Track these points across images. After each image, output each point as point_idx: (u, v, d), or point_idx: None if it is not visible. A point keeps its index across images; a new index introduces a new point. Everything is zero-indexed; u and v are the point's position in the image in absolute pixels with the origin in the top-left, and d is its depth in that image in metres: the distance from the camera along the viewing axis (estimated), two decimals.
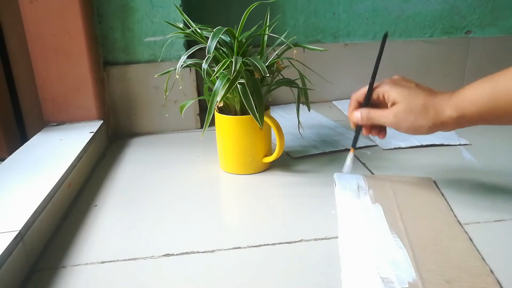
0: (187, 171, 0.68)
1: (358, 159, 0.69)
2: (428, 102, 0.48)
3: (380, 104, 0.54)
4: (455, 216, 0.51)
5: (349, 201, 0.55)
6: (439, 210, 0.52)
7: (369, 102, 0.55)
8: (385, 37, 0.57)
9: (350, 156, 0.60)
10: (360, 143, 0.75)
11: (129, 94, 0.84)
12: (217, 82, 0.56)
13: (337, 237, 0.48)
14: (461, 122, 0.47)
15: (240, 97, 0.57)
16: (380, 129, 0.56)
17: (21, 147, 0.67)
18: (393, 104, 0.51)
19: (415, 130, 0.50)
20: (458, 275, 0.40)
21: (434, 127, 0.48)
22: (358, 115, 0.54)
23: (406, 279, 0.40)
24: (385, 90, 0.52)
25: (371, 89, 0.55)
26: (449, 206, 0.53)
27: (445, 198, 0.55)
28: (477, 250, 0.44)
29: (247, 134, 0.63)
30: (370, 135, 0.59)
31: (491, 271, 0.41)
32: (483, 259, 0.43)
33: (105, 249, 0.47)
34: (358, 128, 0.58)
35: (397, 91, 0.50)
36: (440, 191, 0.57)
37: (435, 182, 0.60)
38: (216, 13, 0.98)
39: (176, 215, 0.54)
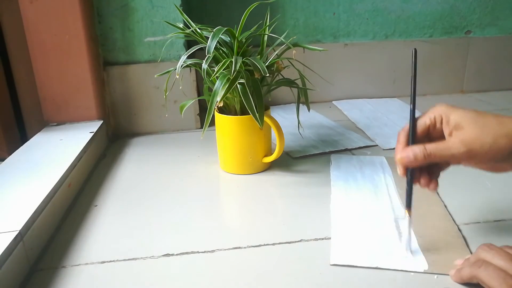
0: (187, 171, 0.68)
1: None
2: (502, 120, 0.39)
3: (431, 137, 0.43)
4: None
5: (342, 177, 0.62)
6: None
7: (414, 137, 0.43)
8: (415, 55, 0.43)
9: (408, 224, 0.43)
10: (359, 143, 0.75)
11: (129, 94, 0.84)
12: (217, 82, 0.56)
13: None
14: None
15: (240, 97, 0.57)
16: (432, 176, 0.44)
17: (21, 147, 0.67)
18: (455, 129, 0.40)
19: (494, 157, 0.39)
20: (430, 232, 0.47)
21: None
22: (410, 155, 0.41)
23: (386, 234, 0.47)
24: (443, 113, 0.41)
25: (413, 119, 0.43)
26: None
27: None
28: (450, 214, 0.51)
29: (247, 134, 0.63)
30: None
31: (459, 229, 0.48)
32: (454, 220, 0.50)
33: (105, 249, 0.47)
34: (410, 177, 0.43)
35: (460, 113, 0.40)
36: None
37: None
38: (216, 13, 0.98)
39: (176, 215, 0.54)
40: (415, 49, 0.43)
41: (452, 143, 0.40)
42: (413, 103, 0.43)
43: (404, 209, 0.44)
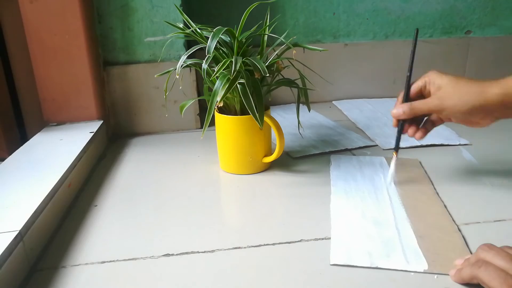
0: (187, 171, 0.68)
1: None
2: (474, 82, 0.49)
3: (424, 96, 0.54)
4: (435, 188, 0.58)
5: (342, 177, 0.63)
6: (421, 184, 0.60)
7: (408, 96, 0.55)
8: (416, 34, 0.57)
9: (393, 162, 0.58)
10: (359, 143, 0.75)
11: (129, 94, 0.84)
12: (217, 82, 0.56)
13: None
14: (506, 100, 0.48)
15: (240, 97, 0.57)
16: (417, 128, 0.56)
17: (21, 147, 0.67)
18: (437, 89, 0.52)
19: (459, 109, 0.50)
20: (430, 232, 0.48)
21: (480, 105, 0.49)
22: (400, 110, 0.54)
23: (386, 234, 0.48)
24: (432, 77, 0.53)
25: (408, 83, 0.55)
26: (430, 180, 0.60)
27: (428, 175, 0.62)
28: (450, 214, 0.51)
29: (247, 134, 0.63)
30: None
31: (459, 229, 0.48)
32: (454, 220, 0.50)
33: (105, 249, 0.47)
34: (400, 127, 0.57)
35: (446, 77, 0.51)
36: (424, 169, 0.64)
37: (420, 163, 0.66)
38: (216, 13, 0.98)
39: (176, 215, 0.54)
40: (417, 29, 0.58)
41: (431, 99, 0.52)
42: (410, 71, 0.56)
43: (393, 151, 0.58)
